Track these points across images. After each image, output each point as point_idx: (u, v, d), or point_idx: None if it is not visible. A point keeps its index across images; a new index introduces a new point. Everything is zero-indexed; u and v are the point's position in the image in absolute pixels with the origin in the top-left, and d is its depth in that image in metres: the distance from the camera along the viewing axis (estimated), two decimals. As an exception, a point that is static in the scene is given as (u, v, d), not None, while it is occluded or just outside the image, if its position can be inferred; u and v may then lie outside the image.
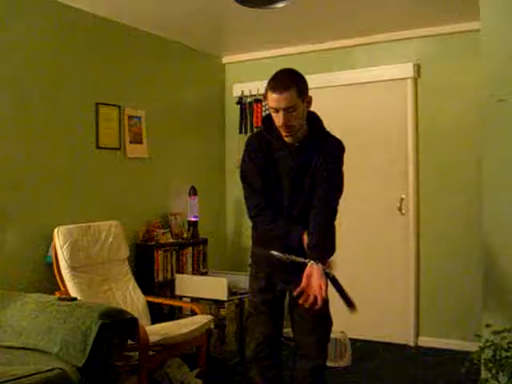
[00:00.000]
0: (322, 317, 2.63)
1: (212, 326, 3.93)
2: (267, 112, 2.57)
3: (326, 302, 2.65)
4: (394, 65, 4.70)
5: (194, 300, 4.22)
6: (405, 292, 4.70)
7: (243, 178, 2.65)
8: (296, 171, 2.54)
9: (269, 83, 2.49)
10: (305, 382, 2.64)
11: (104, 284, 3.80)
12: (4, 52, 3.52)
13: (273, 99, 2.45)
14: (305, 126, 2.56)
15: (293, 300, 2.63)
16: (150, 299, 4.04)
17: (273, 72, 2.54)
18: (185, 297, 4.30)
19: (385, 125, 4.79)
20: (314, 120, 2.61)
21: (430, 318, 4.61)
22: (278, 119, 2.47)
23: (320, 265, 2.32)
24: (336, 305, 2.75)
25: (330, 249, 2.46)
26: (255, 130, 5.11)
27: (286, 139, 2.55)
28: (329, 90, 4.92)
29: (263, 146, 2.59)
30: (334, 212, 2.51)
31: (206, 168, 5.29)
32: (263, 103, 5.08)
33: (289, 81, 2.45)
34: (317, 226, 2.45)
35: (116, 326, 2.70)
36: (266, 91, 2.50)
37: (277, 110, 2.46)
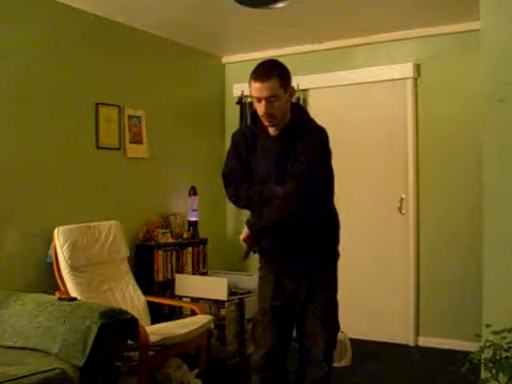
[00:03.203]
0: (332, 318, 2.61)
1: (212, 326, 3.94)
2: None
3: (334, 307, 2.62)
4: (393, 65, 4.69)
5: (194, 300, 4.22)
6: (405, 292, 4.69)
7: (225, 167, 2.71)
8: (279, 159, 2.53)
9: (252, 73, 2.50)
10: None
11: (104, 284, 3.80)
12: (4, 52, 3.52)
13: (255, 88, 2.46)
14: (288, 117, 2.56)
15: (304, 303, 2.60)
16: (150, 299, 4.05)
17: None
18: (185, 297, 4.30)
19: (385, 125, 4.79)
20: (296, 109, 2.62)
21: (430, 318, 4.61)
22: (260, 108, 2.48)
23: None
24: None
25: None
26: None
27: (270, 130, 2.55)
28: (329, 89, 4.91)
29: (248, 136, 2.62)
30: (302, 191, 2.44)
31: (206, 168, 5.28)
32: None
33: (271, 70, 2.47)
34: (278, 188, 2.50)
35: (116, 325, 2.70)
36: (250, 81, 2.50)
37: (259, 100, 2.47)
